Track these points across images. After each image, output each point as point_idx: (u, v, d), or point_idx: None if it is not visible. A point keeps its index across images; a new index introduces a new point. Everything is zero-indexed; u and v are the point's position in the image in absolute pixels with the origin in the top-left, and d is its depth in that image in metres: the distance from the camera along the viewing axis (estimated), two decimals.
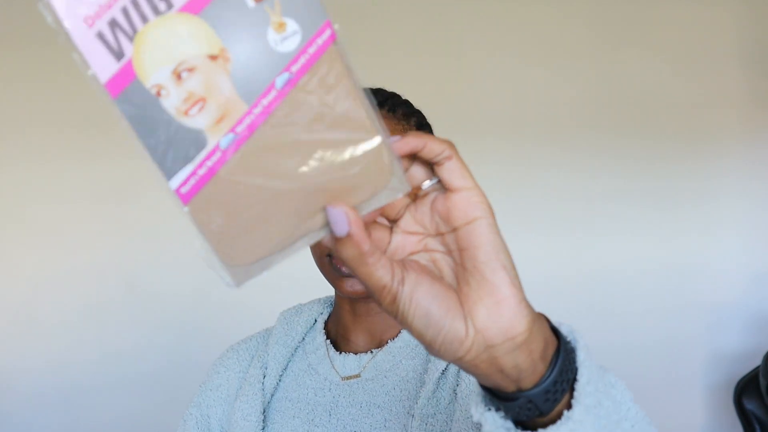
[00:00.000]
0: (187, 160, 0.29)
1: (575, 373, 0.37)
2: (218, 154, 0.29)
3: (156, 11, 0.27)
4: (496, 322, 0.34)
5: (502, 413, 0.37)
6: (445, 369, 0.67)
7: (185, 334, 1.91)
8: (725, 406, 1.96)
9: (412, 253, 0.37)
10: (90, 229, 1.94)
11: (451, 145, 0.35)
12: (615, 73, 2.05)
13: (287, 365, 0.75)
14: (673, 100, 2.05)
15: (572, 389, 0.36)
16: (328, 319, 0.80)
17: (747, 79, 2.07)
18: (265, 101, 0.29)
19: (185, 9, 0.27)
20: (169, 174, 0.29)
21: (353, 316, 0.74)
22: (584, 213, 2.03)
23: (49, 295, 1.92)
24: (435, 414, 0.64)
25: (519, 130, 2.03)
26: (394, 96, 0.74)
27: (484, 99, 2.02)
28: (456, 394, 0.65)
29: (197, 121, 0.28)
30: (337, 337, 0.76)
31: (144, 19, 0.27)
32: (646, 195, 2.04)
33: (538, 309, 0.36)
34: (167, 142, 0.28)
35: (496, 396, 0.37)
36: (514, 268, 0.35)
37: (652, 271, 2.03)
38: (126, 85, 0.27)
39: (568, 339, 0.38)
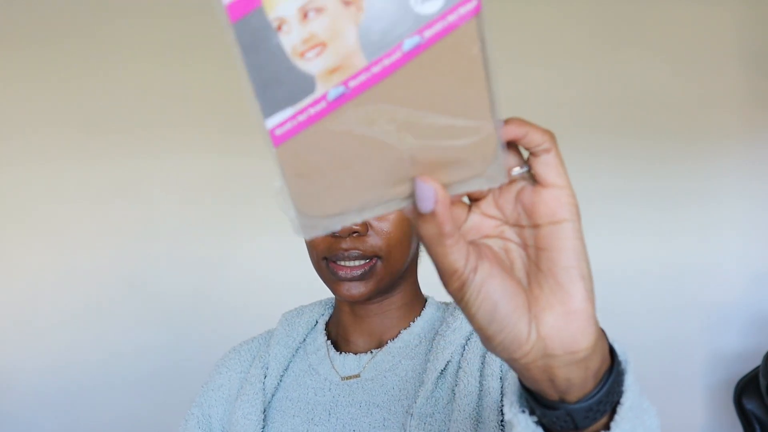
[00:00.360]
0: (290, 102, 0.27)
1: (620, 396, 0.36)
2: (323, 104, 0.27)
3: None
4: (561, 333, 0.32)
5: (535, 418, 0.36)
6: (444, 369, 0.67)
7: (185, 334, 1.91)
8: (725, 406, 1.96)
9: (486, 237, 0.35)
10: (90, 229, 1.94)
11: (552, 136, 0.33)
12: (615, 73, 2.05)
13: (288, 365, 0.76)
14: (673, 100, 2.05)
15: (613, 411, 0.35)
16: (329, 320, 0.81)
17: (747, 79, 2.07)
18: (387, 61, 0.27)
19: None
20: (268, 112, 0.27)
21: (353, 317, 0.75)
22: (584, 213, 2.01)
23: (49, 295, 1.92)
24: (433, 413, 0.64)
25: None
26: None
27: None
28: (455, 394, 0.65)
29: (312, 65, 0.26)
30: (338, 337, 0.77)
31: None
32: (646, 195, 2.04)
33: None
34: (275, 80, 0.27)
35: (535, 399, 0.36)
36: (592, 280, 0.33)
37: (652, 271, 2.03)
38: (248, 11, 0.25)
39: (620, 359, 0.37)
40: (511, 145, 0.34)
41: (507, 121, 0.32)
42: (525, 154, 0.34)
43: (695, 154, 2.05)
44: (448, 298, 0.81)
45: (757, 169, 2.08)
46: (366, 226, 0.67)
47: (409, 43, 0.27)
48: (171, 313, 1.93)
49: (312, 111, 0.27)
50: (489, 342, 0.33)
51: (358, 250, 0.67)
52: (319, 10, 0.26)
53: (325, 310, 0.81)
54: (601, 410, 0.35)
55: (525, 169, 0.34)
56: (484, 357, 0.67)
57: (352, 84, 0.27)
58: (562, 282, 0.32)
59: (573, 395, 0.34)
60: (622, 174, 2.04)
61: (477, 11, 0.26)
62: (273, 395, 0.74)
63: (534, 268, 0.34)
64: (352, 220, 0.31)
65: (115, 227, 1.94)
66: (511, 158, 0.34)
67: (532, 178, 0.34)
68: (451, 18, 0.26)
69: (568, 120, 2.04)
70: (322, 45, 0.26)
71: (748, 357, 1.96)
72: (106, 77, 1.93)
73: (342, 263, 0.67)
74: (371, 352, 0.73)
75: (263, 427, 0.70)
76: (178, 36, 1.97)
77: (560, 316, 0.32)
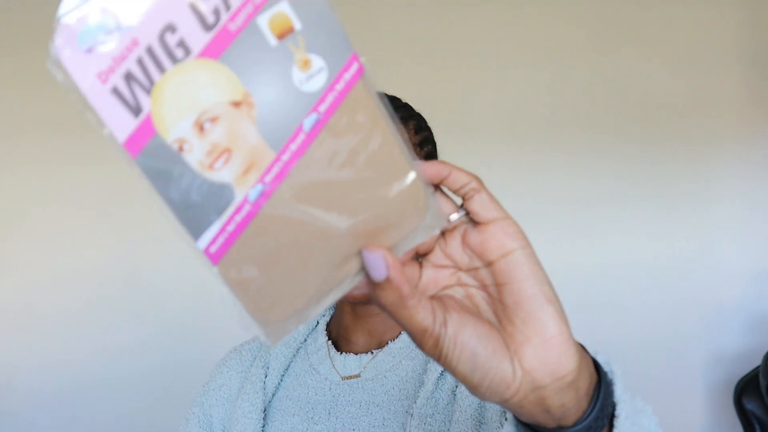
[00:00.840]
0: (215, 216, 0.27)
1: (614, 407, 0.36)
2: (247, 208, 0.27)
3: (173, 59, 0.25)
4: (544, 363, 0.32)
5: None
6: (444, 370, 0.67)
7: (185, 333, 1.91)
8: (725, 406, 1.96)
9: (445, 288, 0.35)
10: (90, 228, 1.94)
11: (477, 178, 0.34)
12: (614, 73, 2.05)
13: (289, 365, 0.76)
14: (673, 101, 2.06)
15: (611, 424, 0.35)
16: (329, 320, 0.81)
17: (747, 79, 2.07)
18: (293, 146, 0.27)
19: (204, 54, 0.25)
20: (196, 233, 0.27)
21: (354, 317, 0.75)
22: (583, 213, 2.03)
23: (50, 294, 1.92)
24: (434, 414, 0.64)
25: (519, 130, 2.03)
26: (393, 99, 0.74)
27: (483, 99, 2.02)
28: (455, 395, 0.65)
29: (224, 174, 0.26)
30: (338, 337, 0.77)
31: (161, 69, 0.25)
32: (645, 194, 2.04)
33: None
34: (192, 200, 0.26)
35: (532, 430, 0.36)
36: (558, 300, 0.33)
37: (651, 271, 2.03)
38: (146, 143, 0.25)
39: (605, 370, 0.37)
40: (442, 194, 0.34)
41: (428, 164, 0.32)
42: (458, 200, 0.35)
43: (695, 154, 2.06)
44: None
45: (757, 169, 2.08)
46: None
47: (308, 123, 0.27)
48: (170, 312, 1.93)
49: (238, 218, 0.27)
50: (477, 390, 0.33)
51: None
52: (213, 120, 0.26)
53: (325, 310, 0.82)
54: (600, 425, 0.35)
55: (462, 212, 0.34)
56: None
57: (268, 179, 0.27)
58: (531, 312, 0.32)
59: (570, 419, 0.34)
60: (622, 174, 2.04)
61: (361, 72, 0.27)
62: (273, 395, 0.74)
63: (500, 306, 0.33)
64: (315, 312, 0.30)
65: (114, 227, 1.94)
66: (445, 205, 0.34)
67: (471, 220, 0.34)
68: (339, 86, 0.27)
69: (567, 120, 2.04)
70: (227, 151, 0.26)
71: (748, 357, 1.96)
72: None
73: None
74: (372, 353, 0.73)
75: (263, 426, 0.71)
76: None
77: (539, 346, 0.32)
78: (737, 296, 2.06)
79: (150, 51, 0.24)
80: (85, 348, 1.91)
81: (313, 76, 0.27)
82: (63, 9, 0.24)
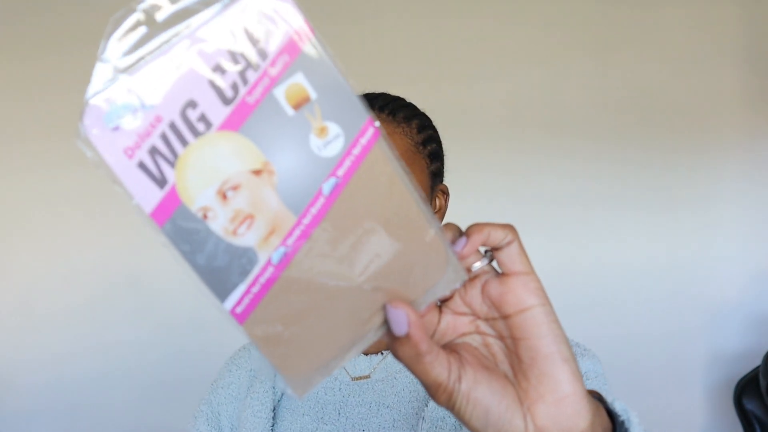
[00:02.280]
0: (240, 279, 0.28)
1: None
2: (270, 270, 0.28)
3: (195, 133, 0.26)
4: (557, 422, 0.32)
5: None
6: None
7: (186, 331, 1.91)
8: (725, 406, 1.96)
9: (463, 335, 0.35)
10: (91, 227, 1.94)
11: (512, 229, 0.33)
12: (615, 73, 2.05)
13: None
14: (673, 101, 2.06)
15: None
16: None
17: (747, 79, 2.07)
18: (313, 209, 0.28)
19: (224, 127, 0.27)
20: (222, 296, 0.28)
21: None
22: (583, 213, 2.03)
23: (49, 293, 1.92)
24: (444, 417, 0.64)
25: (518, 130, 2.03)
26: (396, 99, 0.74)
27: (483, 99, 2.02)
28: None
29: (246, 239, 0.28)
30: None
31: (184, 142, 0.26)
32: (645, 195, 2.04)
33: None
34: (217, 264, 0.28)
35: None
36: (574, 359, 0.33)
37: (651, 271, 2.03)
38: (171, 212, 0.27)
39: (622, 419, 0.36)
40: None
41: (467, 232, 0.33)
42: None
43: (695, 154, 2.05)
44: None
45: (757, 169, 2.08)
46: None
47: (327, 187, 0.28)
48: (170, 311, 1.93)
49: (263, 279, 0.28)
50: None
51: None
52: (235, 188, 0.27)
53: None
54: None
55: (485, 262, 0.35)
56: None
57: (290, 241, 0.28)
58: (546, 370, 0.32)
59: None
60: (622, 174, 2.04)
61: (377, 136, 0.28)
62: (283, 394, 0.73)
63: (516, 359, 0.33)
64: (339, 365, 0.31)
65: (114, 226, 1.93)
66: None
67: (494, 269, 0.35)
68: (356, 151, 0.28)
69: (567, 120, 2.04)
70: (250, 217, 0.27)
71: (748, 357, 1.96)
72: None
73: None
74: (382, 353, 0.72)
75: (273, 425, 0.70)
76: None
77: (552, 404, 0.32)
78: (737, 296, 2.06)
79: (173, 126, 0.26)
80: (85, 347, 1.91)
81: (330, 142, 0.28)
82: (90, 91, 0.25)
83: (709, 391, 2.04)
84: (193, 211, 0.27)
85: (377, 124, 0.29)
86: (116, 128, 0.25)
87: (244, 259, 0.28)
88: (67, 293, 1.92)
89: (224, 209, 0.27)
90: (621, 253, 2.03)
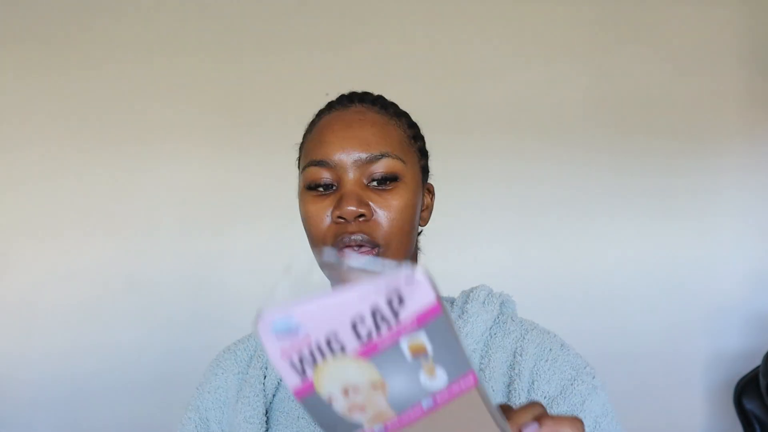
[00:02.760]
0: (349, 430, 0.37)
1: None
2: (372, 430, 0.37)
3: (333, 353, 0.35)
4: None
5: None
6: None
7: (185, 332, 1.91)
8: (725, 406, 1.96)
9: None
10: (91, 227, 1.94)
11: (581, 425, 0.39)
12: (615, 73, 2.05)
13: None
14: (673, 100, 2.05)
15: None
16: None
17: (747, 79, 2.07)
18: (411, 413, 0.36)
19: (357, 355, 0.35)
20: None
21: None
22: (583, 213, 2.03)
23: (48, 293, 1.92)
24: None
25: (519, 129, 2.03)
26: (381, 97, 0.75)
27: (483, 98, 2.02)
28: None
29: (357, 418, 0.37)
30: None
31: (323, 356, 0.35)
32: (645, 194, 2.04)
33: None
34: (337, 428, 0.37)
35: None
36: None
37: (651, 271, 2.03)
38: (307, 394, 0.36)
39: None
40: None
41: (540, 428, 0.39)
42: None
43: (695, 153, 2.05)
44: (451, 293, 0.80)
45: (757, 169, 2.08)
46: (371, 209, 0.66)
47: (425, 403, 0.36)
48: (171, 310, 1.93)
49: None
50: None
51: (364, 233, 0.65)
52: (355, 390, 0.36)
53: None
54: None
55: None
56: (510, 371, 0.67)
57: (389, 425, 0.37)
58: None
59: None
60: (622, 174, 2.04)
61: (475, 383, 0.35)
62: (274, 395, 0.72)
63: None
64: None
65: (114, 226, 1.94)
66: None
67: None
68: (455, 388, 0.35)
69: (567, 119, 2.04)
70: (362, 408, 0.36)
71: (748, 357, 1.96)
72: (105, 77, 1.93)
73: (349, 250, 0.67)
74: None
75: (266, 430, 0.69)
76: (176, 37, 1.97)
77: None
78: (737, 296, 2.06)
79: (318, 345, 0.35)
80: (85, 346, 1.91)
81: (435, 379, 0.35)
82: (267, 306, 0.35)
83: (709, 390, 2.04)
84: (322, 396, 0.36)
85: (476, 372, 0.36)
86: (279, 337, 0.35)
87: (354, 427, 0.37)
88: (68, 293, 1.92)
89: (344, 400, 0.36)
90: (621, 253, 2.03)
